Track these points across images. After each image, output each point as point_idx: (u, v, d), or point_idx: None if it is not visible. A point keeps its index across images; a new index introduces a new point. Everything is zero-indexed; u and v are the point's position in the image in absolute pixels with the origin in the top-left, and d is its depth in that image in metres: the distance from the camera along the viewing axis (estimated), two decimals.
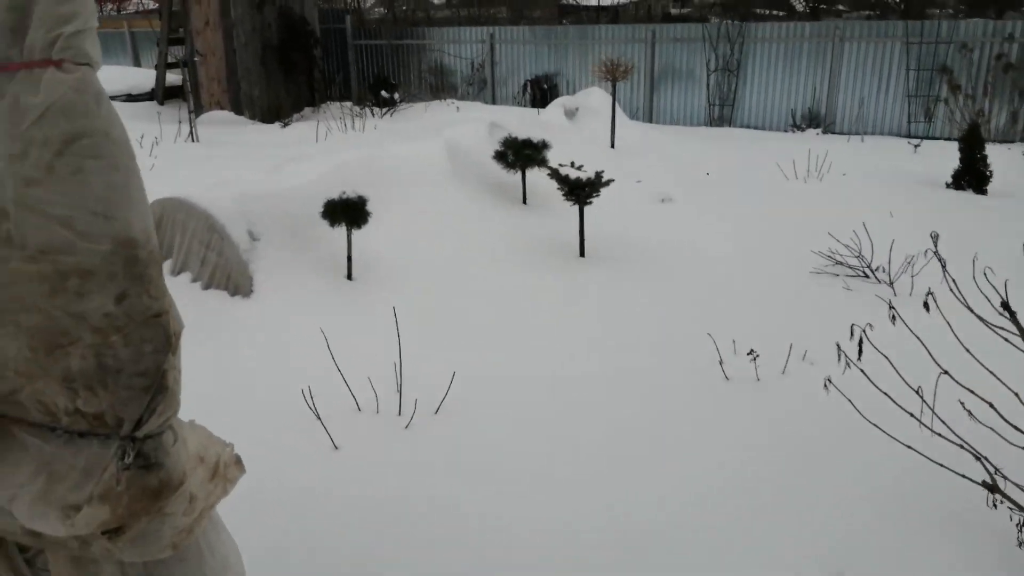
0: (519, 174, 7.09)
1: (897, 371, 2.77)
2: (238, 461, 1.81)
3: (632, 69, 9.42)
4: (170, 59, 13.33)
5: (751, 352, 3.72)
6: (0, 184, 1.30)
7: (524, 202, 7.08)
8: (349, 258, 5.20)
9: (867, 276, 5.18)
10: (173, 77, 13.69)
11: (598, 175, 5.72)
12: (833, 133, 11.57)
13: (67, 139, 1.30)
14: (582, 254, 5.85)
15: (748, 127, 12.16)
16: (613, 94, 9.20)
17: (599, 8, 28.69)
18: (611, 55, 11.07)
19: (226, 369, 4.02)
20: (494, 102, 13.79)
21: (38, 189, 1.30)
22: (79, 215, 1.32)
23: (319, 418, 3.42)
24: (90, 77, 1.32)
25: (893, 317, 2.90)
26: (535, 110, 11.33)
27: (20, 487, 1.51)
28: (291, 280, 5.02)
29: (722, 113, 12.32)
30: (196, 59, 12.80)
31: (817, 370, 3.84)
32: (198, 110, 12.46)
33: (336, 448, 3.32)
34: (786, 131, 11.83)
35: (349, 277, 5.22)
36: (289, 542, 2.70)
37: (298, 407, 3.55)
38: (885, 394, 2.76)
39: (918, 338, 2.80)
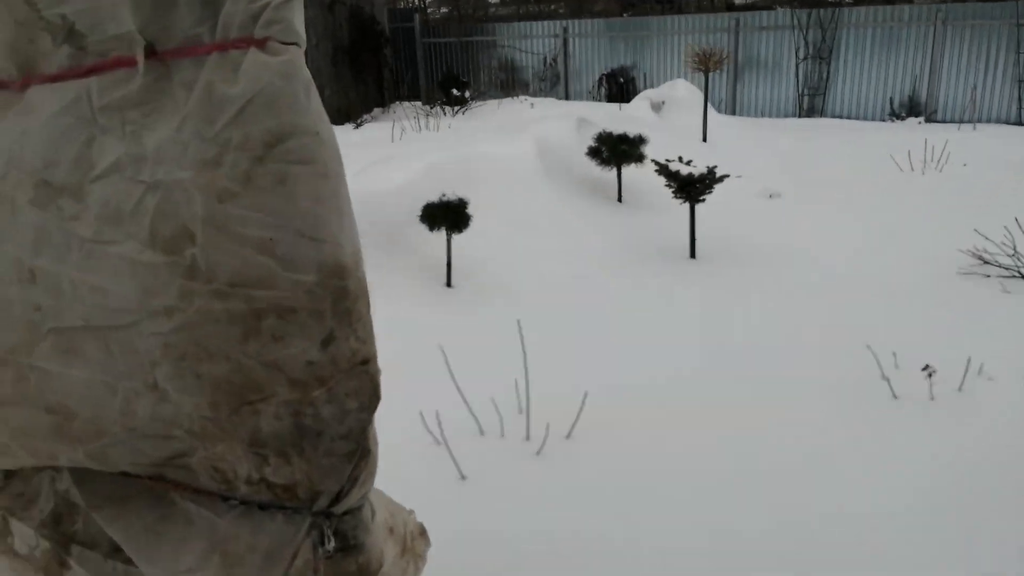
0: (613, 171, 6.73)
1: None
2: (423, 532, 1.51)
3: (727, 59, 8.93)
4: None
5: (926, 367, 3.28)
6: (187, 198, 1.01)
7: (619, 200, 6.71)
8: (448, 264, 4.92)
9: None
10: None
11: (711, 170, 5.32)
12: (935, 122, 10.83)
13: (271, 140, 1.00)
14: (692, 255, 5.46)
15: (840, 117, 11.50)
16: (706, 86, 8.74)
17: (662, 1, 28.00)
18: (695, 45, 10.58)
19: None
20: (567, 98, 13.42)
21: (233, 204, 1.01)
22: (281, 237, 1.02)
23: (442, 443, 3.13)
24: (299, 60, 1.03)
25: None
26: (614, 105, 10.93)
27: (187, 572, 1.24)
28: (389, 286, 4.76)
29: (812, 103, 11.68)
30: None
31: (999, 387, 3.38)
32: None
33: (463, 478, 3.02)
34: (883, 120, 11.14)
35: (448, 284, 4.94)
36: None
37: (414, 430, 3.26)
38: None
39: None
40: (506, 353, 3.78)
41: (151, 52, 1.05)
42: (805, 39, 11.53)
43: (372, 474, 1.19)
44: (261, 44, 1.01)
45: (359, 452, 1.14)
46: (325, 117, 1.07)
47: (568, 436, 3.25)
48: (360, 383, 1.11)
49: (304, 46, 1.07)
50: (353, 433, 1.12)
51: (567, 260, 5.41)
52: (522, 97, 13.05)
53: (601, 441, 3.22)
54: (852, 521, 2.62)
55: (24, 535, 1.41)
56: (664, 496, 2.83)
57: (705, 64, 8.52)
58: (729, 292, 4.82)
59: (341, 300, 1.06)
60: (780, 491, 2.80)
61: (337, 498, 1.15)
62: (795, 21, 11.56)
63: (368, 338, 1.11)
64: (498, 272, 5.21)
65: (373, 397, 1.13)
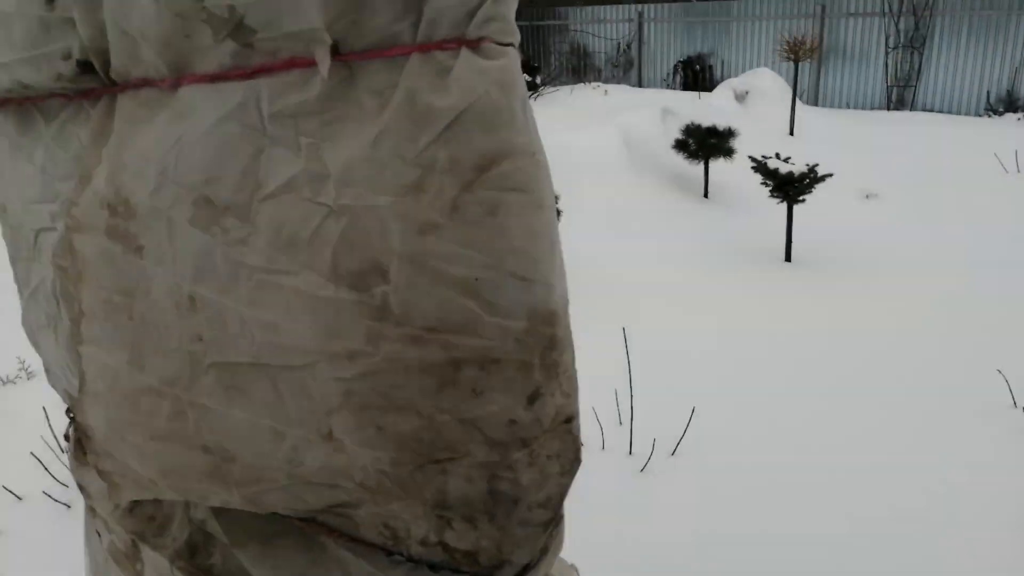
0: (700, 165, 6.47)
1: None
2: None
3: (818, 47, 8.51)
4: None
5: None
6: (381, 229, 0.87)
7: (705, 195, 6.45)
8: None
9: None
10: None
11: (812, 169, 5.02)
12: None
13: (483, 163, 0.85)
14: (788, 259, 5.18)
15: (932, 111, 10.90)
16: (795, 76, 8.35)
17: None
18: (784, 33, 10.14)
19: None
20: (641, 85, 13.08)
21: (435, 238, 0.86)
22: (489, 277, 0.87)
23: None
24: (516, 66, 0.87)
25: None
26: (693, 94, 10.58)
27: None
28: None
29: (902, 95, 11.10)
30: None
31: None
32: None
33: None
34: (978, 115, 10.51)
35: None
36: None
37: None
38: None
39: None
40: (600, 359, 3.61)
41: (333, 52, 0.91)
42: (896, 26, 10.95)
43: (562, 543, 1.05)
44: (474, 46, 0.85)
45: (555, 520, 0.99)
46: (539, 135, 0.91)
47: (673, 454, 3.07)
48: (563, 444, 0.96)
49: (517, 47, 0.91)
50: (552, 501, 0.97)
51: (658, 260, 5.20)
52: (594, 83, 12.77)
53: (708, 459, 3.04)
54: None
55: (158, 565, 1.31)
56: (777, 532, 2.63)
57: (795, 53, 8.13)
58: (833, 301, 4.55)
59: (550, 351, 0.91)
60: (911, 539, 2.57)
61: (525, 570, 1.01)
62: (885, 7, 10.99)
63: (573, 392, 0.96)
64: (587, 272, 5.03)
65: (575, 460, 0.98)
